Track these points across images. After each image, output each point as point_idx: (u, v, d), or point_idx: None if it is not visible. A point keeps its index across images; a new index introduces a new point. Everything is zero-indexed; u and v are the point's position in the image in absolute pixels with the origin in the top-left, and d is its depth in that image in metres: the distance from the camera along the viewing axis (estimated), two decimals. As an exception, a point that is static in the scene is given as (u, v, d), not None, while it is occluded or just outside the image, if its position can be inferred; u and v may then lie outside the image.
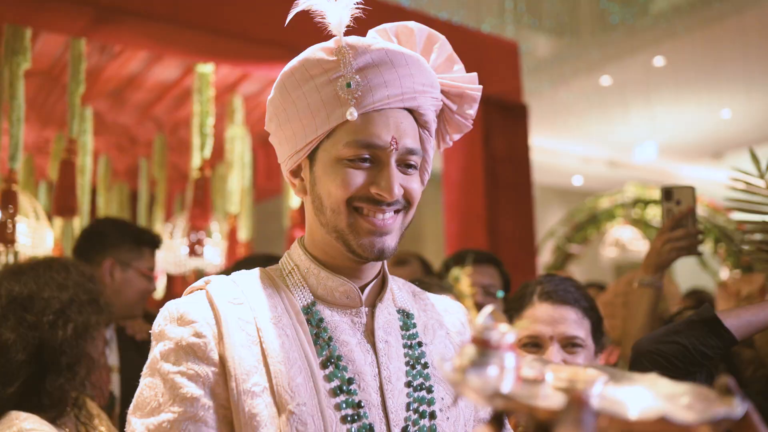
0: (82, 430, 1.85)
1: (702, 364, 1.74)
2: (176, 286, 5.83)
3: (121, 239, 2.73)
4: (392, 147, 1.18)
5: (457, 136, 1.38)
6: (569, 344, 1.72)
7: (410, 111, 1.23)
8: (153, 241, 2.85)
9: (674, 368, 1.71)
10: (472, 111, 1.33)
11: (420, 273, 3.42)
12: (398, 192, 1.18)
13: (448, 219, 4.93)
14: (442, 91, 1.28)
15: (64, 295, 1.81)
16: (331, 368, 1.18)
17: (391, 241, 1.21)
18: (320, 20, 1.21)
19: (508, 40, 5.36)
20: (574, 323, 1.74)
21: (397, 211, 1.22)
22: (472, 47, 4.53)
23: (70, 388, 1.77)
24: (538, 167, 5.75)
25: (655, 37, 8.10)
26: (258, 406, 1.09)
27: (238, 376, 1.10)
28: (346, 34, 1.20)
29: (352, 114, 1.14)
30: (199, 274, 5.19)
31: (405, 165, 1.22)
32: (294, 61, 1.22)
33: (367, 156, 1.18)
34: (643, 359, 1.74)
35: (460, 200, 4.85)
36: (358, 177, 1.18)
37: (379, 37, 1.27)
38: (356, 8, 1.21)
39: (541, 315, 1.75)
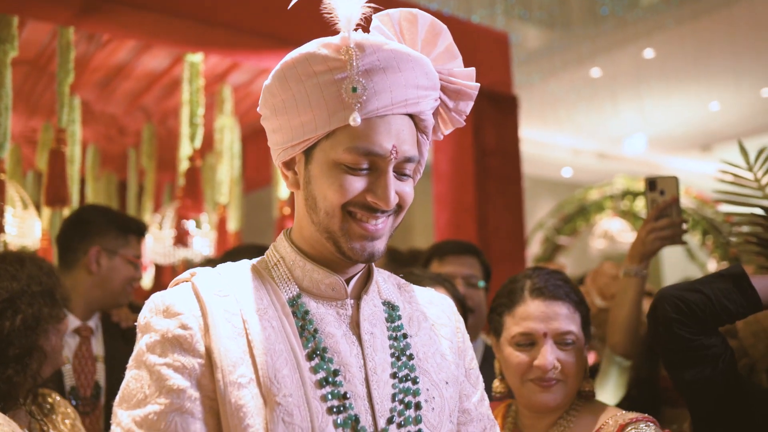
0: (35, 427, 1.80)
1: (722, 319, 1.75)
2: (165, 276, 5.82)
3: (106, 227, 2.69)
4: (392, 156, 1.17)
5: (448, 131, 1.36)
6: (563, 340, 1.74)
7: (411, 116, 1.22)
8: (139, 229, 2.81)
9: (694, 317, 1.72)
10: (468, 108, 1.32)
11: (383, 263, 3.43)
12: (394, 201, 1.18)
13: (437, 210, 4.94)
14: (440, 87, 1.26)
15: (14, 285, 1.78)
16: (316, 360, 1.18)
17: (380, 245, 1.22)
18: (328, 15, 1.18)
19: (499, 32, 5.35)
20: (567, 318, 1.75)
21: (389, 215, 1.23)
22: (463, 38, 4.50)
23: (19, 381, 1.73)
24: (527, 159, 5.76)
25: (645, 30, 8.12)
26: (244, 397, 1.09)
27: (224, 368, 1.10)
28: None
29: (356, 120, 1.12)
30: (187, 264, 5.19)
31: (401, 172, 1.21)
32: (296, 53, 1.18)
33: (366, 165, 1.17)
34: (665, 303, 1.74)
35: (449, 192, 4.85)
36: (356, 183, 1.17)
37: (385, 28, 1.24)
38: (366, 6, 1.18)
39: (533, 312, 1.75)
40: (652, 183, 2.28)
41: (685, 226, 2.26)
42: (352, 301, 1.28)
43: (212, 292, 1.18)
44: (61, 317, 1.88)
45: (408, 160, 1.20)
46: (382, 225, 1.21)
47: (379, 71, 1.15)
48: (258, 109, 1.29)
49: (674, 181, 2.27)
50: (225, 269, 1.27)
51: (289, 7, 1.22)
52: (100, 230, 2.66)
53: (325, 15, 1.18)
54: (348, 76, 1.14)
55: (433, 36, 1.26)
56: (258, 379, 1.11)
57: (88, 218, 2.75)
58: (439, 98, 1.27)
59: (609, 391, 2.29)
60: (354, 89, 1.13)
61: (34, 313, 1.78)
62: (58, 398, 1.93)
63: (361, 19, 1.18)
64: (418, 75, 1.19)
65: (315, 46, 1.17)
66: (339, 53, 1.14)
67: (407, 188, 1.23)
